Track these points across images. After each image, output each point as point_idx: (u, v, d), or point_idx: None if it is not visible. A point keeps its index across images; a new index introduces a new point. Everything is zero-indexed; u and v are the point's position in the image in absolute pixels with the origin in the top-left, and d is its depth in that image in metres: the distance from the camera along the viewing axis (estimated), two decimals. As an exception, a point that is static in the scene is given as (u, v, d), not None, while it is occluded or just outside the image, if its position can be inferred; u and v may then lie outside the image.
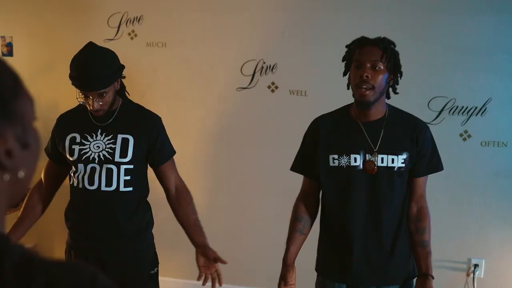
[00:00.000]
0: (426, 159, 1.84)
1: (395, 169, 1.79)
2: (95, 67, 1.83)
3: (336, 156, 1.83)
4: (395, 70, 1.81)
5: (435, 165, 1.87)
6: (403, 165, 1.80)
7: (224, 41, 3.06)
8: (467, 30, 2.85)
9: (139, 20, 3.14)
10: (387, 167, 1.79)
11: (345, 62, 1.86)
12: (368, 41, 1.79)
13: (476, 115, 2.86)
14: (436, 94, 2.87)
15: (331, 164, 1.83)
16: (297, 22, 3.00)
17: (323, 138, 1.87)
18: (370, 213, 1.82)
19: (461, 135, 2.88)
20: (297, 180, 3.11)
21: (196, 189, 3.29)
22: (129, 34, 3.17)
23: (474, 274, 2.92)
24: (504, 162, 2.87)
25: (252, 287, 3.24)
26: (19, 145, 0.67)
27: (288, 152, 3.13)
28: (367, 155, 1.80)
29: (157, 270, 2.10)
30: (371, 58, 1.75)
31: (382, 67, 1.75)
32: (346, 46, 1.87)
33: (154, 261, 2.09)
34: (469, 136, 2.88)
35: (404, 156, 1.80)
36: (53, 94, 3.24)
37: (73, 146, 1.95)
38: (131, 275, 1.98)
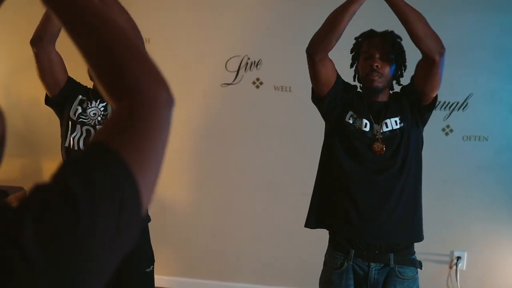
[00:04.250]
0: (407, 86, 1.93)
1: (398, 131, 1.87)
2: None
3: (354, 115, 1.89)
4: (401, 63, 1.87)
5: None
6: (402, 124, 1.87)
7: (209, 37, 3.06)
8: (448, 27, 2.88)
9: (122, 15, 3.11)
10: (392, 130, 1.86)
11: (352, 54, 1.91)
12: (377, 33, 1.87)
13: (458, 110, 2.91)
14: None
15: (346, 119, 1.90)
16: (282, 18, 3.01)
17: (349, 96, 1.93)
18: (374, 171, 1.86)
19: (443, 129, 2.93)
20: (282, 175, 3.14)
21: (181, 185, 3.30)
22: (112, 30, 3.14)
23: (456, 266, 2.97)
24: (485, 155, 2.93)
25: (237, 282, 3.25)
26: None
27: (273, 147, 3.16)
28: (374, 125, 1.87)
29: (153, 268, 2.06)
30: (380, 49, 1.81)
31: (390, 59, 1.81)
32: (355, 38, 1.95)
33: (149, 259, 2.06)
34: (451, 130, 2.93)
35: (398, 117, 1.89)
36: (34, 91, 3.18)
37: (77, 107, 2.11)
38: (124, 273, 1.93)
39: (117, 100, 0.61)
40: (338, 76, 1.92)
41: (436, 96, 1.91)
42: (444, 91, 2.91)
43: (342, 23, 1.81)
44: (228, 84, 3.08)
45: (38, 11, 3.42)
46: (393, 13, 1.81)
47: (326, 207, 1.95)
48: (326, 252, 1.99)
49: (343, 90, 1.93)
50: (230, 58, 3.05)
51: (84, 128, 2.08)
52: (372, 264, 1.87)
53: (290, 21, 3.01)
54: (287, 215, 3.14)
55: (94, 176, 0.52)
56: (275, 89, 3.05)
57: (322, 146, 2.01)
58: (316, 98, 1.96)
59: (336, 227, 1.94)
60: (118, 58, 0.61)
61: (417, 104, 1.88)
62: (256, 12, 3.02)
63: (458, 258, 2.98)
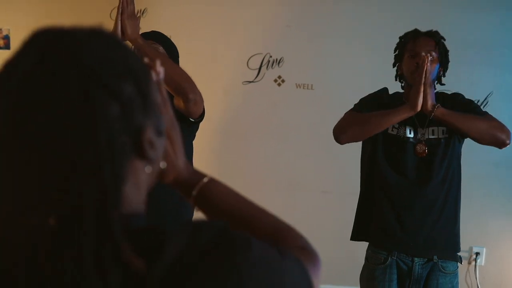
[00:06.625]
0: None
1: (442, 140, 1.88)
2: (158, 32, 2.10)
3: (396, 124, 1.89)
4: (445, 63, 1.89)
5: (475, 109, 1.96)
6: (447, 135, 1.89)
7: (230, 34, 3.05)
8: (470, 25, 2.93)
9: (143, 13, 3.09)
10: (437, 138, 1.88)
11: (395, 53, 1.92)
12: (422, 33, 1.89)
13: (478, 108, 2.94)
14: (440, 88, 2.93)
15: (389, 131, 1.90)
16: (304, 15, 3.02)
17: (385, 105, 1.93)
18: (418, 182, 1.88)
19: (463, 127, 2.96)
20: (303, 174, 3.15)
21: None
22: (131, 27, 3.12)
23: (475, 262, 3.01)
24: (504, 153, 2.95)
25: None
26: (156, 134, 0.62)
27: (294, 146, 3.16)
28: (419, 128, 1.88)
29: None
30: (426, 47, 1.85)
31: (435, 57, 1.85)
32: (399, 38, 1.95)
33: None
34: (471, 128, 2.97)
35: (445, 127, 1.89)
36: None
37: None
38: None
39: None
40: None
41: None
42: (465, 89, 2.94)
43: (381, 128, 1.87)
44: (250, 81, 3.08)
45: (56, 6, 3.30)
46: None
47: (368, 219, 1.97)
48: (368, 248, 2.00)
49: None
50: (252, 55, 3.05)
51: None
52: (416, 259, 1.89)
53: (311, 19, 3.02)
54: (307, 213, 3.15)
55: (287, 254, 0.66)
56: (297, 87, 3.06)
57: (362, 157, 2.02)
58: None
59: (377, 239, 1.95)
60: (276, 234, 0.76)
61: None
62: (278, 10, 3.02)
63: (477, 254, 3.02)
